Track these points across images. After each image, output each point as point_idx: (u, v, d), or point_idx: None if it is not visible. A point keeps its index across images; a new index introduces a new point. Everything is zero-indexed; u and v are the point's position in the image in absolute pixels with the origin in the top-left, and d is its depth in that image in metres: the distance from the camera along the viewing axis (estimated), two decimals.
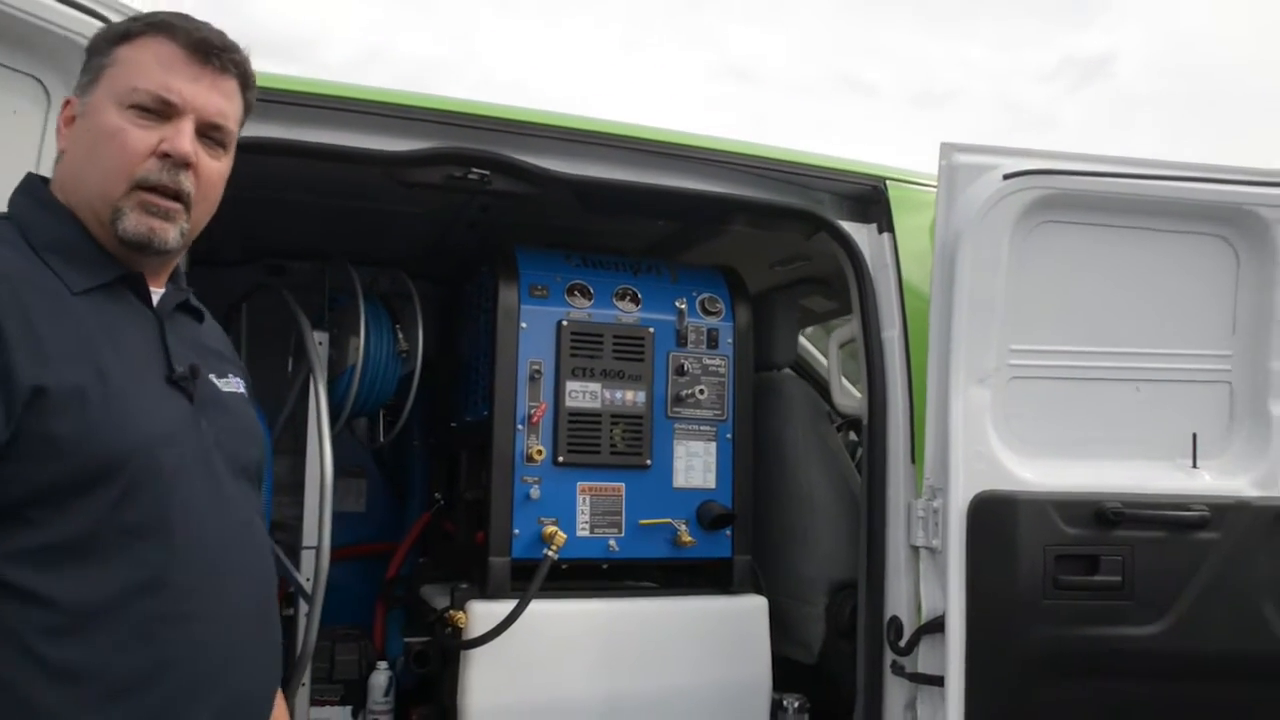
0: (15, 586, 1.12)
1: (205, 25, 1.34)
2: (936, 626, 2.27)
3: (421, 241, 3.22)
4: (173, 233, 1.30)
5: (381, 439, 3.03)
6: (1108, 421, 2.37)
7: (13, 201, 1.32)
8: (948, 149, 2.32)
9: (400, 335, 2.82)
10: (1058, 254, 2.34)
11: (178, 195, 1.28)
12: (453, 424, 2.98)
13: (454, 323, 3.05)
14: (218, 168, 1.35)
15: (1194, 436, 2.39)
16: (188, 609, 1.21)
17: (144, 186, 1.27)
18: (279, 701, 1.45)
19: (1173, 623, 2.24)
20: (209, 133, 1.32)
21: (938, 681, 2.25)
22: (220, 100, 1.33)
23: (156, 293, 1.35)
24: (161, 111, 1.28)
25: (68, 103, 1.34)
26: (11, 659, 1.11)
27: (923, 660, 2.34)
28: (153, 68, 1.29)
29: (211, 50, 1.32)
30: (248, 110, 1.40)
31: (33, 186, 1.34)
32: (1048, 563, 2.22)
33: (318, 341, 2.65)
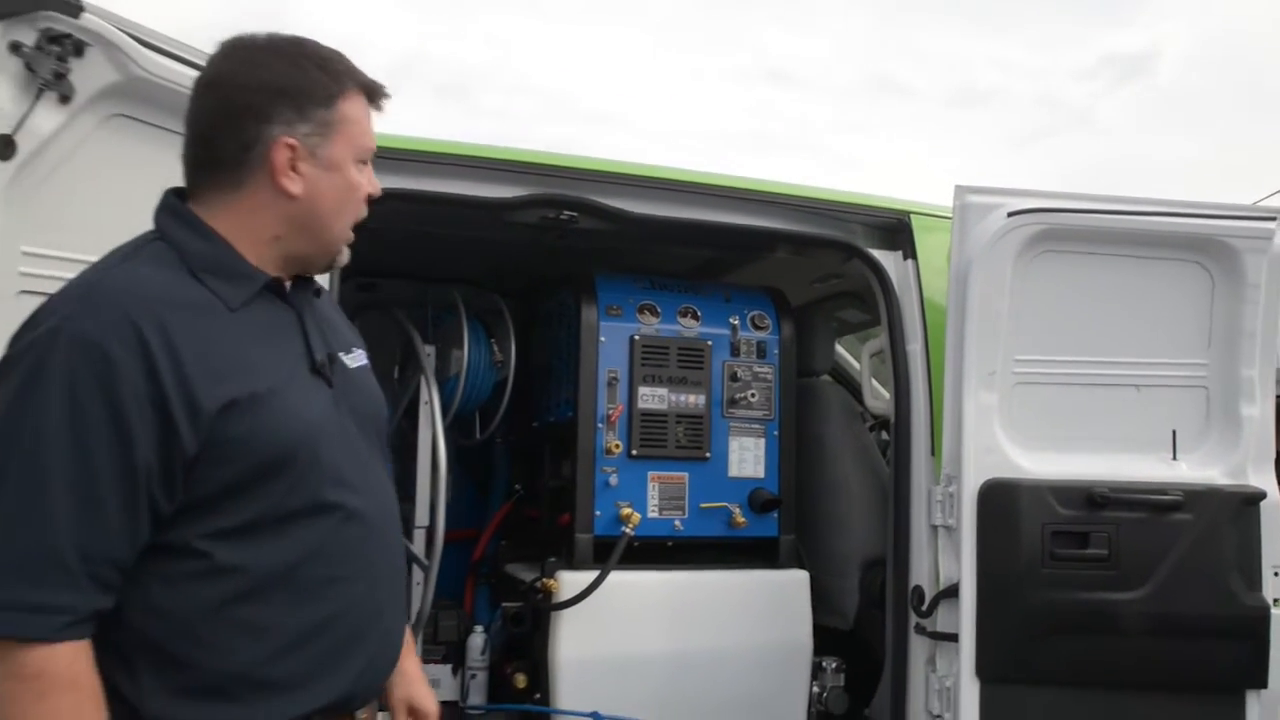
0: (213, 559, 1.29)
1: (372, 77, 1.48)
2: (952, 592, 2.70)
3: (504, 263, 3.69)
4: None
5: (477, 436, 3.51)
6: (1099, 420, 2.79)
7: (162, 223, 1.40)
8: (961, 191, 2.76)
9: (495, 347, 3.30)
10: (1056, 278, 2.76)
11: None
12: (535, 423, 3.46)
13: (534, 335, 3.52)
14: None
15: (1174, 433, 2.80)
16: (344, 572, 1.38)
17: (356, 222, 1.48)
18: (408, 638, 1.64)
19: (1152, 590, 2.65)
20: None
21: (953, 638, 2.67)
22: None
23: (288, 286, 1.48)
24: (368, 161, 1.47)
25: (289, 144, 1.38)
26: (212, 619, 1.29)
27: (941, 621, 2.76)
28: (366, 125, 1.44)
29: (381, 96, 1.47)
30: None
31: (177, 208, 1.40)
32: (1045, 538, 2.64)
33: (427, 353, 3.14)
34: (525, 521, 3.59)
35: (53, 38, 1.72)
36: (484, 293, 3.46)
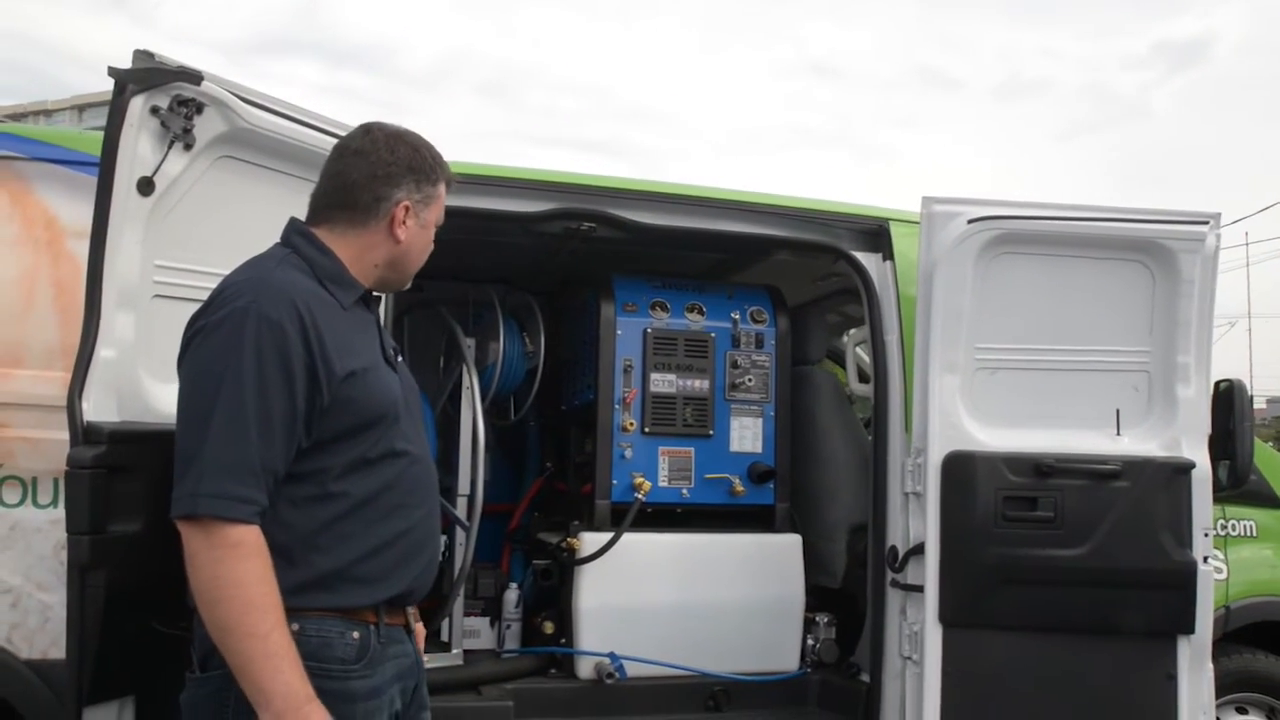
0: (326, 487, 1.75)
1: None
2: (919, 550, 3.12)
3: (536, 266, 4.16)
4: None
5: (512, 417, 3.99)
6: (1052, 401, 3.19)
7: (296, 243, 1.87)
8: (928, 201, 3.17)
9: (527, 339, 3.78)
10: (1014, 277, 3.16)
11: None
12: (563, 407, 3.93)
13: (563, 329, 3.99)
14: None
15: (1117, 412, 3.20)
16: (410, 500, 1.84)
17: None
18: None
19: (1093, 547, 3.05)
20: None
21: (920, 589, 3.10)
22: None
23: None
24: None
25: (407, 206, 1.90)
26: (324, 532, 1.74)
27: (910, 575, 3.18)
28: (444, 201, 2.01)
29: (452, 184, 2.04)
30: None
31: (306, 232, 1.89)
32: (999, 502, 3.05)
33: (468, 345, 3.62)
34: (555, 494, 4.06)
35: (182, 101, 2.23)
36: (518, 292, 3.93)
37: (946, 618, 3.04)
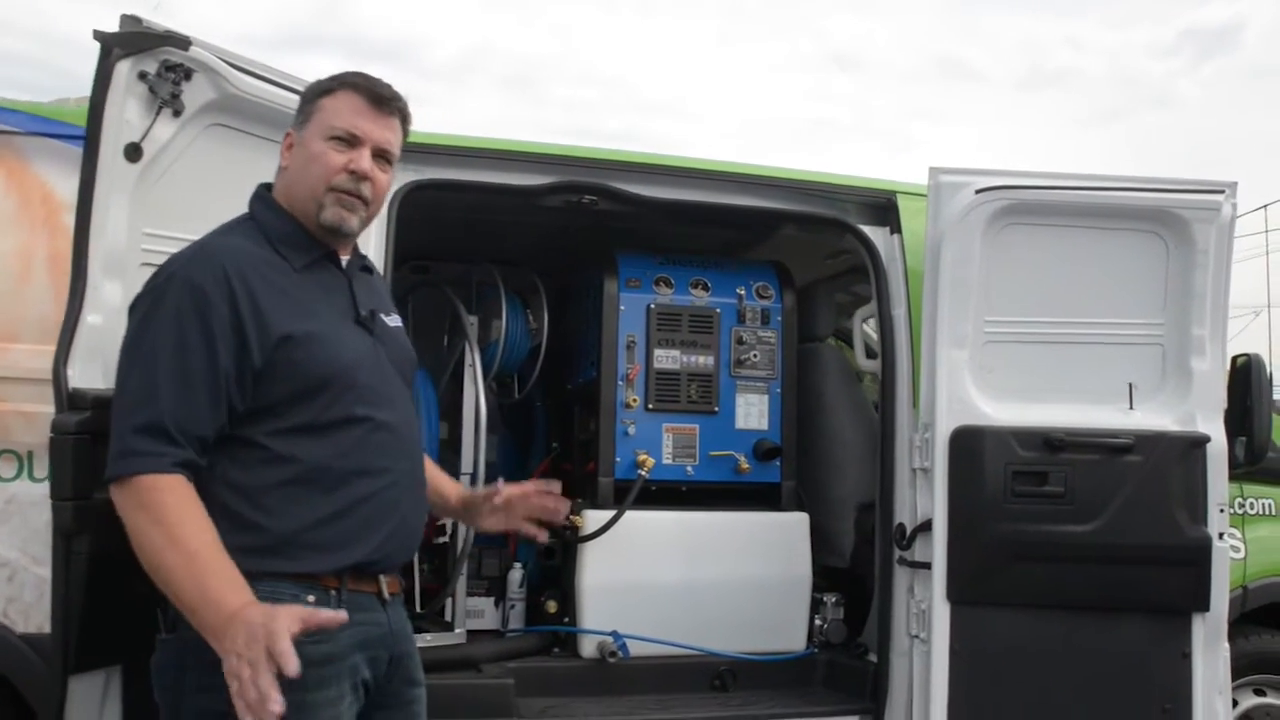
0: (271, 450, 1.73)
1: (380, 81, 1.88)
2: (927, 526, 3.07)
3: (542, 245, 4.12)
4: (354, 220, 1.86)
5: (516, 395, 3.96)
6: (1064, 374, 3.12)
7: (253, 206, 1.89)
8: (935, 172, 3.11)
9: (530, 317, 3.74)
10: (1023, 248, 3.10)
11: (359, 196, 1.85)
12: (568, 385, 3.89)
13: (569, 308, 3.95)
14: (385, 179, 1.91)
15: (1130, 386, 3.13)
16: (373, 467, 1.79)
17: (338, 190, 1.83)
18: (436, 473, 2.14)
19: (1105, 523, 2.98)
20: (380, 156, 1.88)
21: (928, 567, 3.05)
22: (389, 134, 1.88)
23: (344, 260, 1.92)
24: (350, 141, 1.84)
25: (287, 135, 1.87)
26: (273, 493, 1.72)
27: (918, 552, 3.13)
28: (343, 112, 1.84)
29: (384, 100, 1.87)
30: (405, 137, 1.95)
31: (263, 195, 1.90)
32: (1007, 477, 2.99)
33: (470, 322, 3.59)
34: (561, 474, 4.02)
35: (169, 66, 2.20)
36: (522, 270, 3.90)
37: (954, 595, 2.99)
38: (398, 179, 2.98)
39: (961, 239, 3.06)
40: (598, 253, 3.61)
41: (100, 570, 1.97)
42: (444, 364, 3.74)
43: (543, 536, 2.24)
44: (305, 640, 1.70)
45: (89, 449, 1.95)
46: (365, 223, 1.91)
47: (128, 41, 2.12)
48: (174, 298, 1.69)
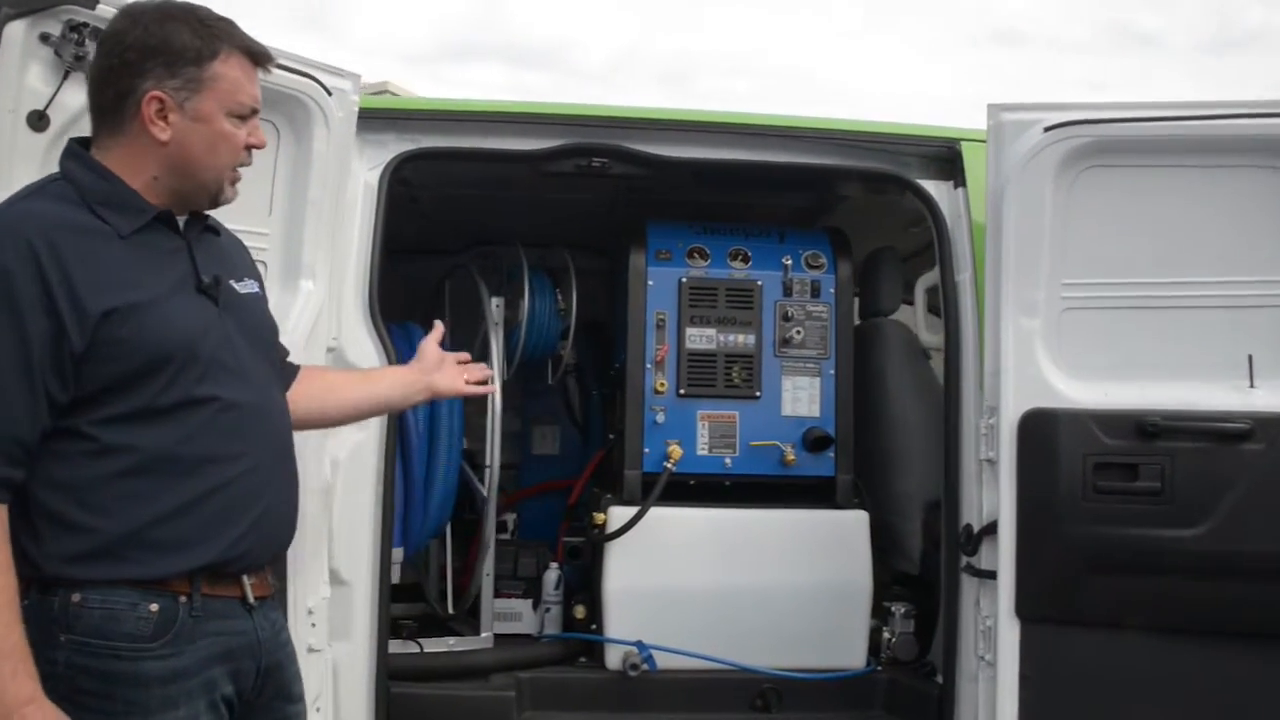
0: (100, 441, 1.52)
1: (248, 34, 1.68)
2: (993, 529, 2.60)
3: (594, 223, 3.83)
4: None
5: (549, 381, 3.70)
6: (1159, 346, 2.57)
7: (64, 165, 1.62)
8: (995, 109, 2.63)
9: (559, 297, 3.46)
10: (1106, 196, 2.58)
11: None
12: (611, 370, 3.59)
13: (613, 286, 3.65)
14: None
15: (1250, 358, 2.55)
16: (224, 453, 1.59)
17: (240, 166, 1.69)
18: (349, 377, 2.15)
19: (1214, 526, 2.43)
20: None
21: (994, 576, 2.58)
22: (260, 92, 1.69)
23: (182, 221, 1.67)
24: (247, 115, 1.67)
25: (160, 98, 1.57)
26: (104, 489, 1.51)
27: (984, 559, 2.66)
28: (242, 82, 1.64)
29: (267, 60, 1.70)
30: None
31: (78, 152, 1.62)
32: (1088, 470, 2.49)
33: (495, 304, 3.34)
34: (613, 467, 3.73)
35: (74, 26, 2.02)
36: (555, 249, 3.62)
37: (1024, 611, 2.51)
38: (384, 150, 2.79)
39: (1028, 186, 2.56)
40: (626, 224, 3.28)
41: None
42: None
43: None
44: (149, 654, 1.52)
45: None
46: None
47: (18, 1, 1.96)
48: None
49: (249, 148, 1.68)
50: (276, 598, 1.75)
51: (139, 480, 1.53)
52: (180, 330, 1.57)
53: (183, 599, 1.55)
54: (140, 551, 1.52)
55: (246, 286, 1.75)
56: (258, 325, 1.74)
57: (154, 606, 1.53)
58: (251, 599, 1.64)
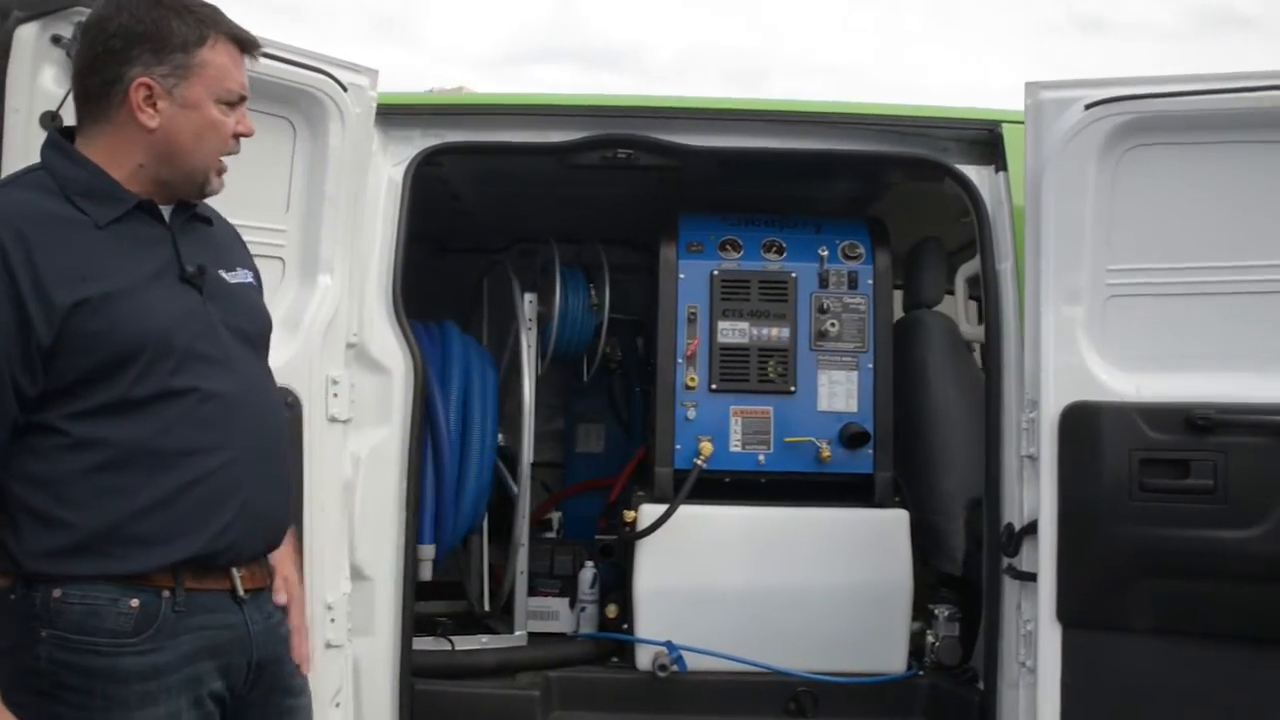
0: (72, 435, 1.50)
1: (239, 25, 1.66)
2: (1034, 528, 2.47)
3: (633, 217, 3.78)
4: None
5: (584, 378, 3.66)
6: (1212, 335, 2.42)
7: (44, 155, 1.62)
8: (1033, 88, 2.50)
9: (593, 292, 3.42)
10: (1152, 176, 2.43)
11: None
12: (649, 366, 3.54)
13: (651, 283, 3.59)
14: None
15: None
16: (202, 445, 1.56)
17: (227, 154, 1.67)
18: (289, 539, 1.79)
19: (1271, 527, 2.27)
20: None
21: (1034, 578, 2.45)
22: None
23: (167, 210, 1.64)
24: (235, 103, 1.65)
25: (145, 84, 1.55)
26: (80, 483, 1.50)
27: (1025, 560, 2.53)
28: (230, 69, 1.62)
29: (254, 48, 1.68)
30: None
31: (58, 142, 1.62)
32: (1134, 467, 2.35)
33: (527, 300, 3.32)
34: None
35: None
36: (590, 244, 3.58)
37: (1066, 616, 2.38)
38: (409, 145, 2.79)
39: (1069, 168, 2.44)
40: (657, 216, 3.23)
41: None
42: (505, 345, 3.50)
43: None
44: (128, 650, 1.51)
45: None
46: None
47: (30, 4, 1.99)
48: None
49: (237, 135, 1.65)
50: (268, 591, 1.71)
51: (116, 474, 1.51)
52: (155, 320, 1.55)
53: (165, 594, 1.54)
54: (120, 546, 1.51)
55: (237, 276, 1.73)
56: (245, 315, 1.71)
57: (135, 602, 1.51)
58: (242, 591, 1.62)
